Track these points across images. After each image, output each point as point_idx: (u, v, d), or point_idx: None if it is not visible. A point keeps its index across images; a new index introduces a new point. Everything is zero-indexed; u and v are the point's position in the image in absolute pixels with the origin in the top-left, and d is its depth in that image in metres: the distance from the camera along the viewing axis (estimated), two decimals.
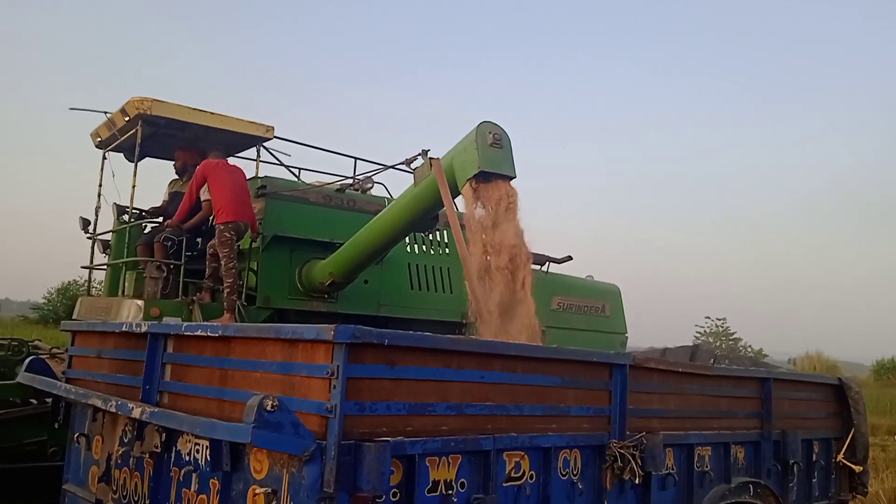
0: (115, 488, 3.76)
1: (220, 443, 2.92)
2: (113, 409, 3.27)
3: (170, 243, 7.13)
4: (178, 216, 7.12)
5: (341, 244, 7.17)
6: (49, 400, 5.64)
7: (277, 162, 8.40)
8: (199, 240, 7.50)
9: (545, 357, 3.38)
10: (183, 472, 3.23)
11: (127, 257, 7.36)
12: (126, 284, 7.55)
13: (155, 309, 6.64)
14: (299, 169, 8.60)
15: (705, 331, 38.07)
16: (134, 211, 7.48)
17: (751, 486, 4.46)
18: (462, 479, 3.01)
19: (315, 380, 2.67)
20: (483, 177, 5.28)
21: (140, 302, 6.77)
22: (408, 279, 8.21)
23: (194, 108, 7.41)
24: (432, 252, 8.49)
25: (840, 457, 5.24)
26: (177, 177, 8.11)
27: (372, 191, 8.37)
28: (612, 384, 3.65)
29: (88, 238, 8.03)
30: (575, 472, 3.47)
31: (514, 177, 5.40)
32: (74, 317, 8.47)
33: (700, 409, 4.22)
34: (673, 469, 3.99)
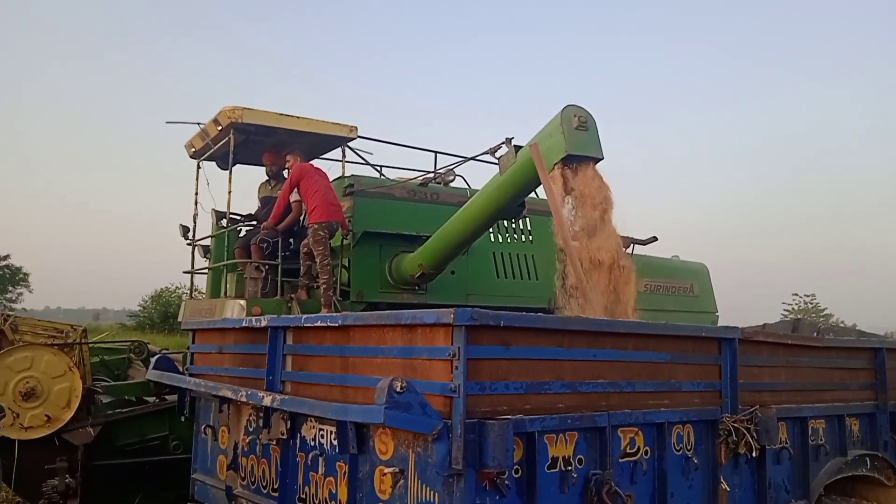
0: (243, 475, 3.99)
1: (346, 426, 3.07)
2: (244, 399, 3.48)
3: (265, 245, 7.45)
4: (273, 218, 7.42)
5: (428, 237, 7.33)
6: (168, 397, 6.04)
7: (363, 161, 8.61)
8: (291, 240, 7.78)
9: (655, 333, 3.40)
10: (310, 456, 3.40)
11: (227, 260, 7.71)
12: (227, 286, 7.90)
13: (257, 308, 6.93)
14: (381, 166, 8.81)
15: (794, 308, 36.69)
16: (231, 216, 7.82)
17: (867, 458, 4.35)
18: (580, 456, 3.07)
19: (436, 362, 2.78)
20: (571, 160, 5.30)
21: (242, 302, 7.09)
22: (493, 268, 8.30)
23: (282, 114, 7.69)
24: (515, 240, 8.55)
25: None
26: (266, 180, 8.41)
27: (453, 183, 8.48)
28: (722, 358, 3.64)
29: (188, 244, 8.45)
30: (689, 448, 3.48)
31: (602, 158, 5.40)
32: (180, 319, 8.94)
33: (812, 382, 4.14)
34: (787, 443, 3.94)
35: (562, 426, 2.99)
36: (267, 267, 7.47)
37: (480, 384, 2.77)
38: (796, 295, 37.18)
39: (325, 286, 7.05)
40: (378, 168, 8.65)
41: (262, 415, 3.78)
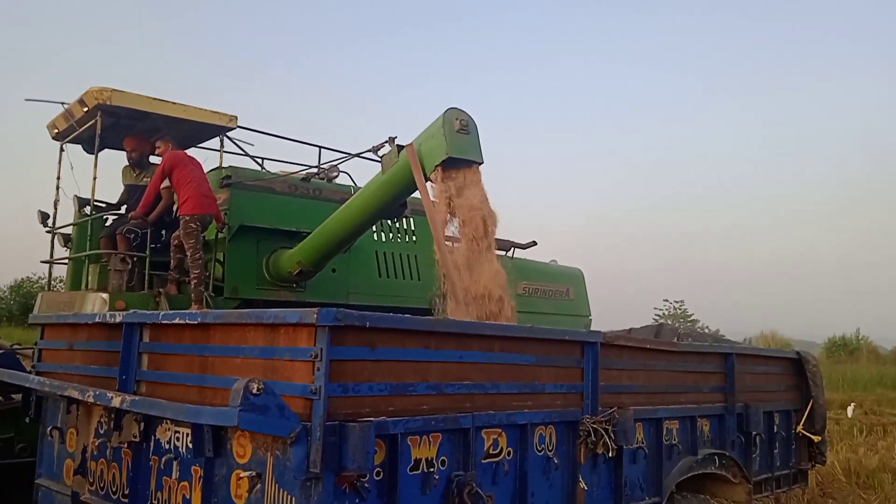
0: (91, 480, 3.74)
1: (202, 429, 2.95)
2: (91, 400, 3.26)
3: (133, 235, 7.05)
4: (142, 208, 7.04)
5: (308, 233, 7.17)
6: (15, 396, 5.58)
7: (241, 152, 8.33)
8: (162, 231, 7.41)
9: (520, 336, 3.46)
10: (163, 460, 3.24)
11: (90, 250, 7.24)
12: (89, 278, 7.41)
13: (121, 302, 6.55)
14: (262, 159, 8.56)
15: (664, 313, 38.90)
16: (95, 203, 7.36)
17: (716, 457, 4.63)
18: (443, 457, 3.08)
19: (298, 363, 2.71)
20: (451, 163, 5.33)
21: (105, 295, 6.67)
22: (375, 267, 8.24)
23: (155, 98, 7.29)
24: (399, 240, 8.52)
25: (800, 427, 5.46)
26: (128, 166, 7.94)
27: (337, 180, 8.36)
28: (585, 361, 3.75)
29: (48, 232, 7.88)
30: (550, 448, 3.57)
31: (482, 162, 5.47)
32: (35, 312, 8.32)
33: (667, 385, 4.36)
34: (643, 443, 4.12)
35: (426, 428, 2.99)
36: (134, 259, 7.08)
37: (343, 386, 2.72)
38: (667, 301, 39.45)
39: (195, 281, 6.76)
40: (259, 161, 8.39)
41: (113, 416, 3.56)
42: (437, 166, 5.34)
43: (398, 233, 8.51)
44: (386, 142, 6.48)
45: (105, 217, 7.64)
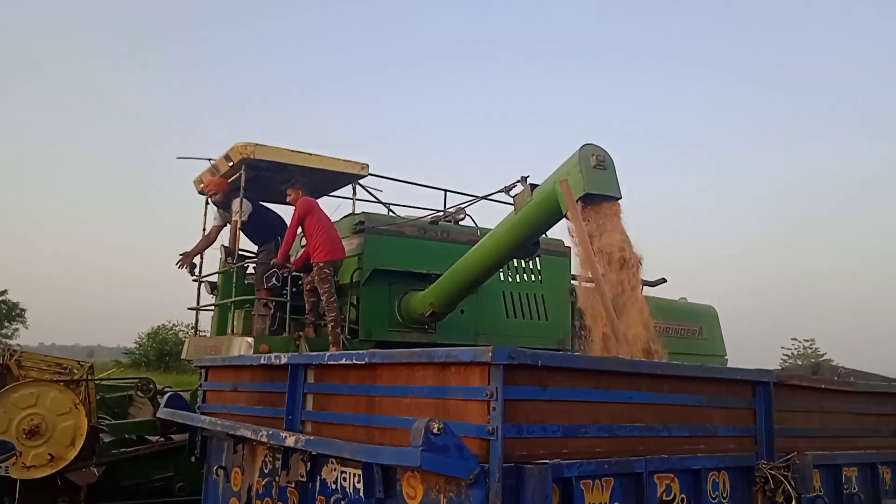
0: None
1: (373, 469, 2.96)
2: (263, 439, 3.35)
3: (275, 281, 7.36)
4: (282, 255, 7.33)
5: (438, 275, 7.27)
6: (175, 437, 5.88)
7: (373, 198, 8.58)
8: (301, 276, 7.69)
9: (690, 375, 3.30)
10: (331, 500, 3.27)
11: (235, 296, 7.60)
12: (234, 323, 7.77)
13: (264, 345, 6.81)
14: (387, 204, 8.78)
15: (793, 352, 36.50)
16: (240, 252, 7.75)
17: None
18: (616, 502, 2.95)
19: (472, 402, 2.68)
20: (588, 199, 5.25)
21: (250, 339, 6.97)
22: (503, 307, 8.21)
23: (294, 150, 7.66)
24: (525, 279, 8.47)
25: None
26: (219, 210, 8.26)
27: (462, 222, 8.44)
28: (756, 402, 3.53)
29: (194, 280, 8.35)
30: (724, 495, 3.36)
31: (620, 197, 5.35)
32: (183, 357, 8.79)
33: (845, 428, 4.04)
34: (821, 491, 3.81)
35: (599, 471, 2.88)
36: (274, 304, 7.38)
37: (517, 426, 2.66)
38: (795, 339, 37.02)
39: (332, 324, 6.95)
40: (389, 206, 8.61)
41: (279, 456, 3.65)
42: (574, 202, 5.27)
43: (524, 273, 8.46)
44: (518, 181, 6.50)
45: (246, 265, 8.03)
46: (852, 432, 4.08)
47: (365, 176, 8.25)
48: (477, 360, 2.65)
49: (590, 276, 4.97)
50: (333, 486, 3.32)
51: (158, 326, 35.09)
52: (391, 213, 8.49)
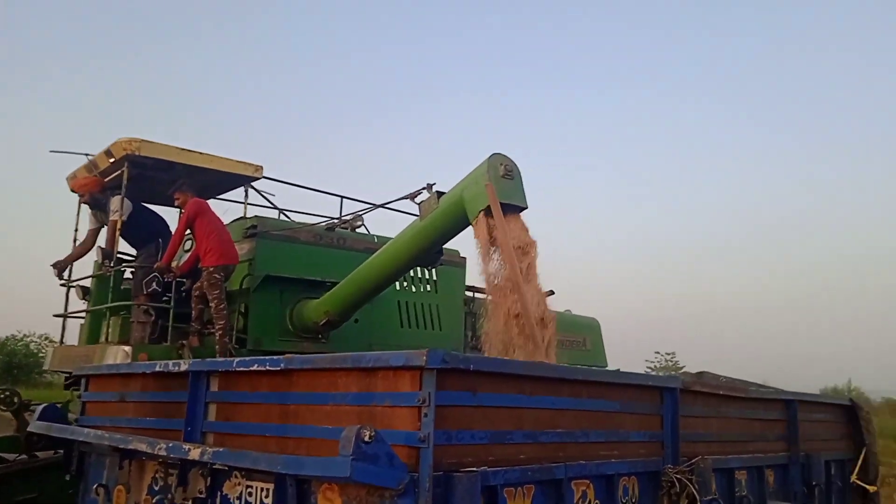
0: None
1: (286, 482, 2.79)
2: (162, 453, 3.08)
3: (156, 286, 6.91)
4: (167, 258, 6.90)
5: (332, 283, 7.08)
6: (41, 454, 5.34)
7: (268, 203, 8.28)
8: (185, 281, 7.27)
9: (607, 381, 3.35)
10: None
11: (111, 302, 7.06)
12: (109, 331, 7.22)
13: (143, 354, 6.37)
14: (279, 209, 8.51)
15: (656, 365, 38.57)
16: (118, 255, 7.22)
17: None
18: None
19: (401, 409, 2.58)
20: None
21: (127, 348, 6.49)
22: (397, 316, 8.11)
23: (183, 149, 7.25)
24: (421, 289, 8.42)
25: (854, 477, 5.31)
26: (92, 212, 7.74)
27: (359, 230, 8.30)
28: (664, 408, 3.63)
29: (62, 285, 7.71)
30: (633, 500, 3.42)
31: (526, 207, 5.41)
32: (46, 367, 8.09)
33: (737, 433, 4.23)
34: (716, 493, 3.96)
35: (522, 479, 2.85)
36: (156, 311, 6.92)
37: (447, 433, 2.58)
38: (658, 353, 39.12)
39: (220, 333, 6.61)
40: (283, 211, 8.34)
41: (173, 471, 3.38)
42: (480, 211, 5.29)
43: (420, 282, 8.42)
44: (423, 188, 6.45)
45: (124, 269, 7.50)
46: (743, 437, 4.29)
47: (258, 178, 7.93)
48: (409, 364, 2.55)
49: (493, 285, 5.00)
50: (237, 502, 3.10)
51: (7, 337, 32.28)
52: (285, 218, 8.23)
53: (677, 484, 3.49)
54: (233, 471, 3.13)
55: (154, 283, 6.92)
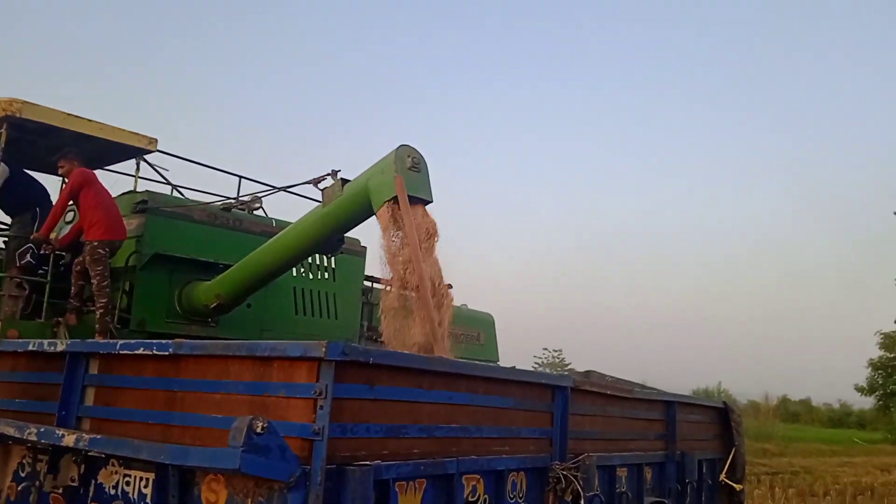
0: None
1: (168, 473, 2.66)
2: (32, 437, 2.86)
3: (31, 258, 6.46)
4: (46, 229, 6.46)
5: (226, 265, 6.85)
6: None
7: (161, 177, 7.89)
8: (64, 255, 6.84)
9: (503, 378, 3.39)
10: None
11: None
12: None
13: (13, 331, 5.95)
14: (173, 185, 8.14)
15: (543, 362, 39.74)
16: None
17: None
18: None
19: (296, 400, 2.51)
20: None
21: None
22: (292, 304, 7.93)
23: (70, 114, 6.80)
24: (319, 277, 8.28)
25: (723, 476, 5.64)
26: None
27: (257, 212, 8.06)
28: (555, 406, 3.72)
29: None
30: (521, 495, 3.48)
31: (431, 201, 5.42)
32: None
33: (621, 431, 4.39)
34: (598, 490, 4.10)
35: (414, 473, 2.85)
36: (30, 285, 6.47)
37: (342, 426, 2.54)
38: (546, 349, 40.32)
39: (101, 311, 6.25)
40: (176, 188, 7.97)
41: (43, 457, 3.17)
42: (386, 202, 5.25)
43: (318, 270, 8.27)
44: (328, 174, 6.33)
45: None
46: (626, 435, 4.47)
47: (152, 151, 7.54)
48: (307, 355, 2.48)
49: (392, 277, 4.98)
50: (112, 492, 2.94)
51: None
52: (179, 195, 7.87)
53: (563, 480, 3.59)
54: (110, 458, 2.96)
55: (28, 255, 6.48)
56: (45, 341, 3.35)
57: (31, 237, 6.47)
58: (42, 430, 2.87)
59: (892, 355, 37.11)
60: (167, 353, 2.84)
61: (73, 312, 6.48)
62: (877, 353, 37.86)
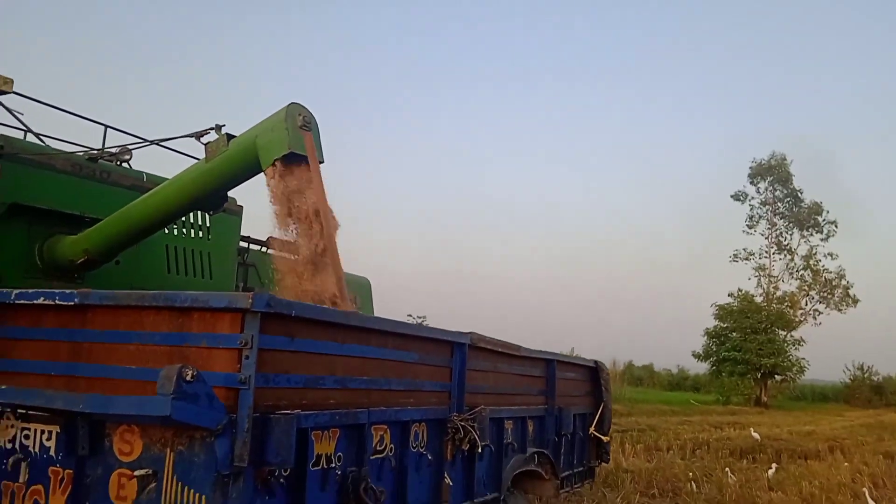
0: None
1: (76, 424, 2.58)
2: None
3: None
4: None
5: (91, 219, 6.48)
6: None
7: (16, 121, 7.24)
8: None
9: (408, 334, 3.50)
10: (10, 461, 2.74)
11: None
12: None
13: None
14: (33, 132, 7.52)
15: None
16: None
17: (537, 455, 5.02)
18: (339, 453, 3.01)
19: (219, 350, 2.51)
20: (290, 158, 5.18)
21: None
22: (164, 261, 7.62)
23: None
24: (192, 235, 7.99)
25: (592, 429, 6.10)
26: None
27: (126, 164, 7.63)
28: (453, 361, 3.89)
29: None
30: (423, 445, 3.64)
31: (323, 161, 5.39)
32: None
33: (509, 387, 4.65)
34: (488, 441, 4.34)
35: (330, 422, 2.92)
36: None
37: (265, 376, 2.57)
38: (410, 315, 40.85)
39: None
40: (36, 134, 7.36)
41: None
42: (275, 161, 5.17)
43: (191, 228, 7.97)
44: (211, 129, 6.11)
45: None
46: (512, 390, 4.73)
47: (6, 93, 6.92)
48: (231, 306, 2.48)
49: (286, 238, 4.96)
50: (9, 446, 2.80)
51: None
52: (38, 143, 7.28)
53: (462, 430, 3.77)
54: (3, 412, 2.81)
55: None
56: None
57: None
58: None
59: (724, 325, 40.74)
60: (72, 304, 2.72)
61: None
62: (712, 322, 41.49)
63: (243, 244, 8.77)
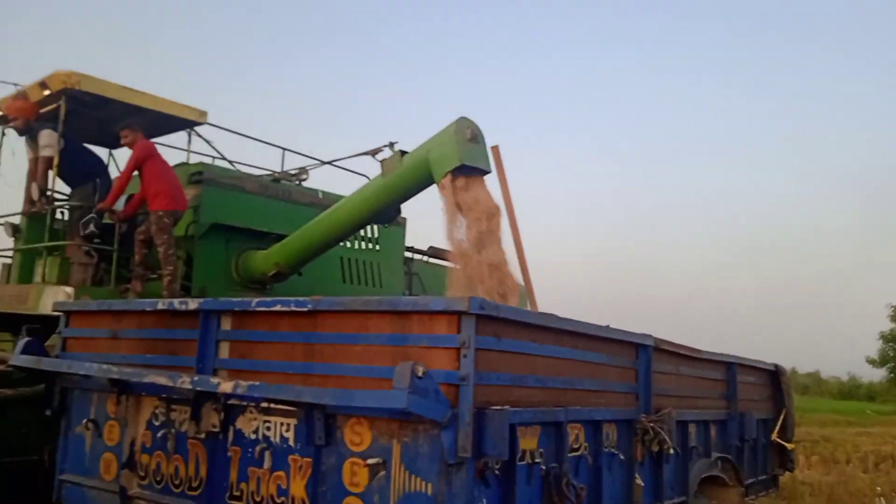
0: (143, 474, 3.54)
1: (313, 417, 2.90)
2: (187, 386, 3.09)
3: (94, 227, 6.68)
4: (112, 199, 6.67)
5: (278, 234, 7.11)
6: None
7: (211, 148, 8.11)
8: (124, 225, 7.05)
9: (596, 335, 3.61)
10: (256, 450, 3.13)
11: (48, 241, 6.76)
12: (46, 271, 6.91)
13: (86, 297, 6.18)
14: (225, 158, 8.34)
15: None
16: (54, 193, 6.90)
17: (720, 460, 4.94)
18: (541, 449, 3.17)
19: (439, 350, 2.73)
20: (460, 171, 5.44)
21: (69, 289, 6.28)
22: (340, 272, 8.19)
23: (124, 87, 7.00)
24: (364, 247, 8.51)
25: (775, 435, 5.90)
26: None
27: (304, 184, 8.27)
28: (639, 363, 3.95)
29: None
30: (614, 445, 3.72)
31: (490, 171, 5.62)
32: None
33: (690, 389, 4.63)
34: (674, 443, 4.34)
35: (533, 419, 3.08)
36: (101, 253, 6.71)
37: (479, 374, 2.76)
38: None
39: (169, 278, 6.51)
40: (228, 160, 8.18)
41: (176, 406, 3.43)
42: (447, 173, 5.44)
43: (362, 240, 8.49)
44: (386, 146, 6.56)
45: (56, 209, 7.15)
46: (695, 393, 4.70)
47: (202, 124, 7.76)
48: (449, 308, 2.71)
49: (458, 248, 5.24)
50: (253, 436, 3.18)
51: None
52: (230, 167, 8.07)
53: (651, 432, 3.83)
54: (248, 406, 3.21)
55: (92, 225, 6.69)
56: (176, 300, 3.58)
57: (97, 207, 6.68)
58: (196, 378, 3.10)
59: None
60: (306, 310, 3.06)
61: (139, 280, 6.72)
62: (888, 325, 38.20)
63: (407, 254, 9.24)
